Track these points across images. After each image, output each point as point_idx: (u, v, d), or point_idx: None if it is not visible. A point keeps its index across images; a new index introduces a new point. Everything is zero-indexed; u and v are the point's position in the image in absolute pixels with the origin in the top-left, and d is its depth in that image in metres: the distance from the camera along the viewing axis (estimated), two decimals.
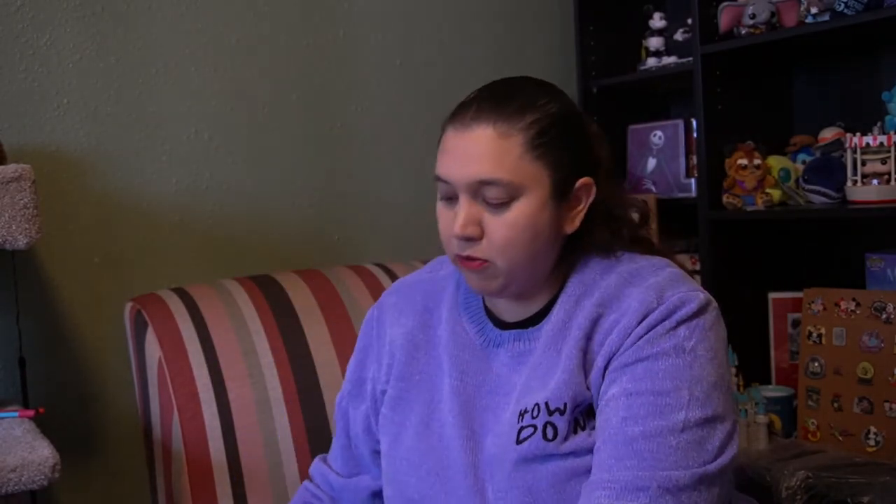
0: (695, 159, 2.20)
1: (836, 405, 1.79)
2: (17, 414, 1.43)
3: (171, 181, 1.86)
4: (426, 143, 2.22)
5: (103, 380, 1.78)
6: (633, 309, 0.99)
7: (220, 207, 1.92)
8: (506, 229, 1.00)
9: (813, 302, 1.84)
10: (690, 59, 2.09)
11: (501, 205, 1.00)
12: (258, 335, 1.55)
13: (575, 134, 1.05)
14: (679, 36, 2.33)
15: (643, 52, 2.39)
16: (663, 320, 0.98)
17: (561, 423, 0.99)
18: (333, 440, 1.27)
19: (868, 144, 1.79)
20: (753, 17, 1.93)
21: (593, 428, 1.00)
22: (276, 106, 1.99)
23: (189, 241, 1.88)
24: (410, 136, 2.19)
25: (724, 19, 1.99)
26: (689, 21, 2.23)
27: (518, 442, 1.00)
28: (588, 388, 1.01)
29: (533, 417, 1.00)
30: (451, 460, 1.05)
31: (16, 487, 1.19)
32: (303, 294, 1.64)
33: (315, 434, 1.52)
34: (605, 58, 2.39)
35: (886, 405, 1.71)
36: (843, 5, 1.76)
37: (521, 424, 1.01)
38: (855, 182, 1.83)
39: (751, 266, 2.07)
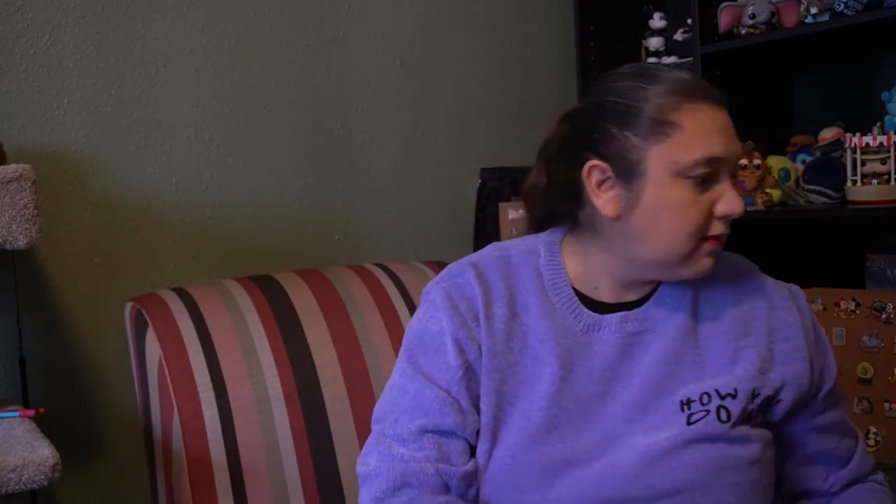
0: None
1: None
2: (17, 414, 1.43)
3: (171, 181, 1.86)
4: (426, 143, 2.23)
5: (103, 380, 1.78)
6: (780, 295, 1.12)
7: (220, 207, 1.92)
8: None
9: (813, 302, 1.84)
10: (690, 59, 2.09)
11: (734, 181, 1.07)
12: (258, 335, 1.55)
13: None
14: (679, 36, 2.33)
15: (643, 52, 2.39)
16: (807, 302, 1.14)
17: (734, 406, 1.03)
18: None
19: (868, 144, 1.80)
20: (753, 17, 1.93)
21: (760, 425, 1.06)
22: (276, 106, 1.99)
23: (189, 241, 1.88)
24: (410, 136, 2.19)
25: (723, 19, 2.00)
26: (689, 21, 2.23)
27: (689, 424, 1.02)
28: (767, 379, 1.05)
29: (703, 404, 1.03)
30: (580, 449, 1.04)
31: (16, 487, 1.19)
32: (303, 294, 1.64)
33: (315, 434, 1.52)
34: (605, 58, 2.39)
35: (886, 405, 1.71)
36: (842, 5, 1.76)
37: (689, 412, 1.03)
38: (855, 182, 1.83)
39: None
